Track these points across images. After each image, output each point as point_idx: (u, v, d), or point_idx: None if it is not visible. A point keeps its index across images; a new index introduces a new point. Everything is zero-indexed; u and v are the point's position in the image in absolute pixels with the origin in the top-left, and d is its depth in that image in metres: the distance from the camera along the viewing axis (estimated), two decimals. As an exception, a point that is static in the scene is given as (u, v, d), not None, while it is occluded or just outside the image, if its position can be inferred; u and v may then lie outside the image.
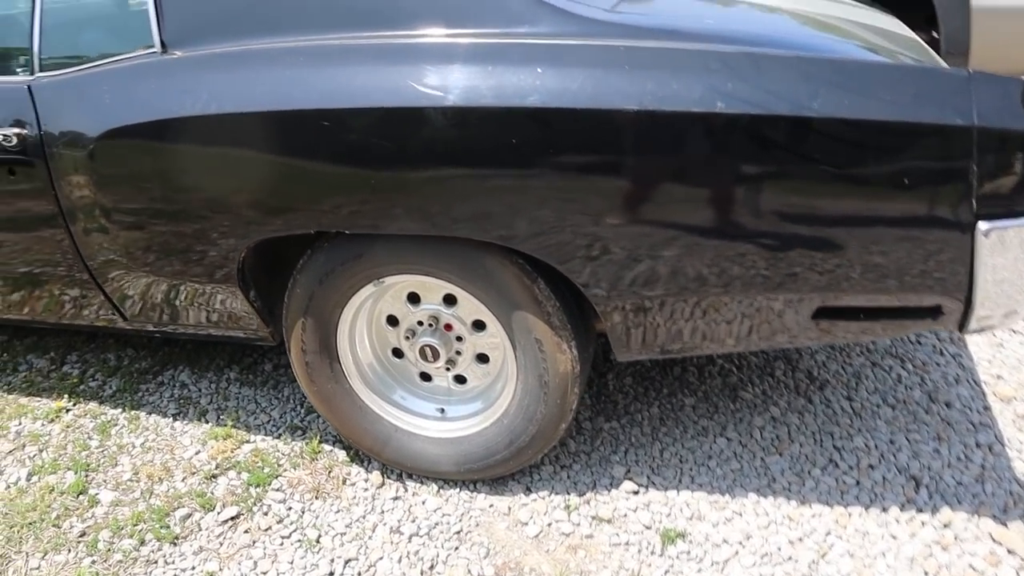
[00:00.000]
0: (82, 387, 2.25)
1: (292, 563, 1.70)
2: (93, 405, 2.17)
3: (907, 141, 1.34)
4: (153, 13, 1.64)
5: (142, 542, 1.76)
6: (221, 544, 1.75)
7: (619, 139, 1.39)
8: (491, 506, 1.82)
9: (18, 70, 1.78)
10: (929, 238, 1.40)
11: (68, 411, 2.15)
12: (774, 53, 1.38)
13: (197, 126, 1.57)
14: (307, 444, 2.00)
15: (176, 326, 1.92)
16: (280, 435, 2.05)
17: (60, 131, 1.69)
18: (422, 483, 1.88)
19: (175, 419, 2.12)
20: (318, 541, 1.75)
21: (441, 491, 1.86)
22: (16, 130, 1.72)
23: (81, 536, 1.78)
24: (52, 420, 2.12)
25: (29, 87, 1.73)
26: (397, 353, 1.87)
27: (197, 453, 2.00)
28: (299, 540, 1.75)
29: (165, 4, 1.64)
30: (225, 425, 2.08)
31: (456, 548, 1.72)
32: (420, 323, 1.78)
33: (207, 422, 2.10)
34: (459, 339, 1.79)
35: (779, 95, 1.35)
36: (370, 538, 1.75)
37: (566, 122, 1.40)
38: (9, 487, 1.91)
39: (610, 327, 1.60)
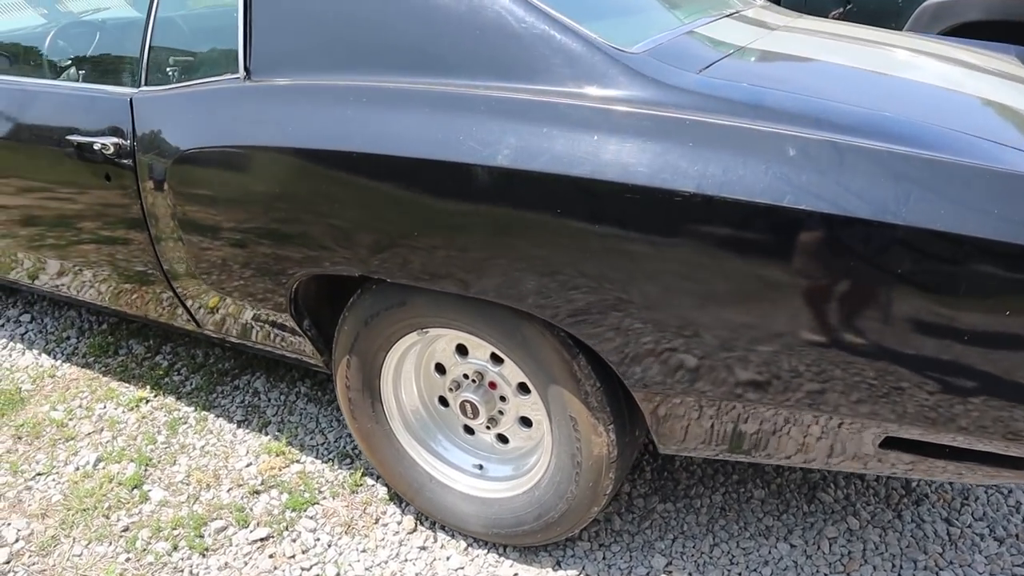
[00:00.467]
0: (166, 380, 2.36)
1: (304, 600, 1.69)
2: (171, 399, 2.27)
3: (1011, 265, 1.12)
4: (241, 39, 1.67)
5: (175, 547, 1.81)
6: (245, 564, 1.77)
7: (670, 221, 1.26)
8: (515, 575, 1.73)
9: (127, 81, 1.88)
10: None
11: (148, 402, 2.26)
12: (866, 145, 1.20)
13: (259, 156, 1.58)
14: (351, 475, 1.99)
15: (244, 341, 1.97)
16: (330, 460, 2.05)
17: (149, 145, 1.76)
18: (452, 537, 1.82)
19: (239, 426, 2.18)
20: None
21: (469, 549, 1.79)
22: (114, 139, 1.81)
23: (124, 531, 1.85)
24: (132, 408, 2.24)
25: (131, 100, 1.81)
26: (443, 402, 1.82)
27: (248, 465, 2.03)
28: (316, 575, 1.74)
29: (255, 31, 1.67)
30: (281, 440, 2.11)
31: (467, 617, 1.65)
32: (466, 376, 1.71)
33: (266, 434, 2.14)
34: (503, 399, 1.71)
35: (860, 194, 1.17)
36: (385, 588, 1.71)
37: (614, 197, 1.28)
38: (78, 469, 2.03)
39: (648, 415, 1.46)
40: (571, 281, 1.36)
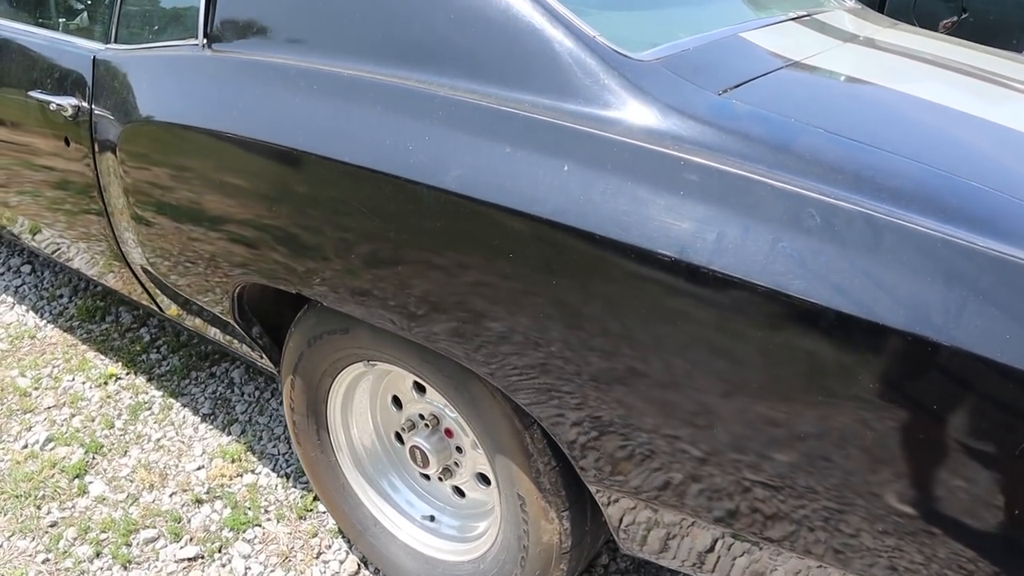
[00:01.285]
0: (143, 357, 2.20)
1: (213, 642, 1.50)
2: (141, 380, 2.12)
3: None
4: (204, 1, 1.44)
5: (98, 554, 1.65)
6: (166, 587, 1.60)
7: (640, 289, 0.97)
8: (453, 652, 1.50)
9: (99, 35, 1.68)
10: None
11: (117, 379, 2.12)
12: (915, 224, 0.87)
13: (201, 138, 1.35)
14: (303, 497, 1.79)
15: (202, 334, 1.78)
16: (286, 475, 1.85)
17: (104, 110, 1.57)
18: (395, 590, 1.60)
19: (203, 420, 2.00)
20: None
21: (409, 609, 1.57)
22: (73, 100, 1.63)
23: (51, 526, 1.71)
24: (99, 385, 2.09)
25: (94, 58, 1.62)
26: (400, 439, 1.58)
27: (199, 468, 1.86)
28: (236, 614, 1.55)
29: (220, -6, 1.43)
30: (241, 443, 1.93)
31: None
32: (421, 416, 1.47)
33: (229, 434, 1.96)
34: (459, 450, 1.46)
35: (893, 293, 0.85)
36: (305, 642, 1.51)
37: (571, 247, 1.00)
38: (26, 447, 1.90)
39: (604, 511, 1.19)
40: (516, 339, 1.09)
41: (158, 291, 1.74)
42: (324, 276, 1.26)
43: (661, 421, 1.02)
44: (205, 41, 1.43)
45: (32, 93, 1.72)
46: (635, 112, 1.04)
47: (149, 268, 1.66)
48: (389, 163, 1.14)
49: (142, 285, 1.77)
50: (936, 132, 1.14)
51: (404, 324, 1.19)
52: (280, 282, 1.34)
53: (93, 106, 1.60)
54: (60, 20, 1.86)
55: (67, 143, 1.68)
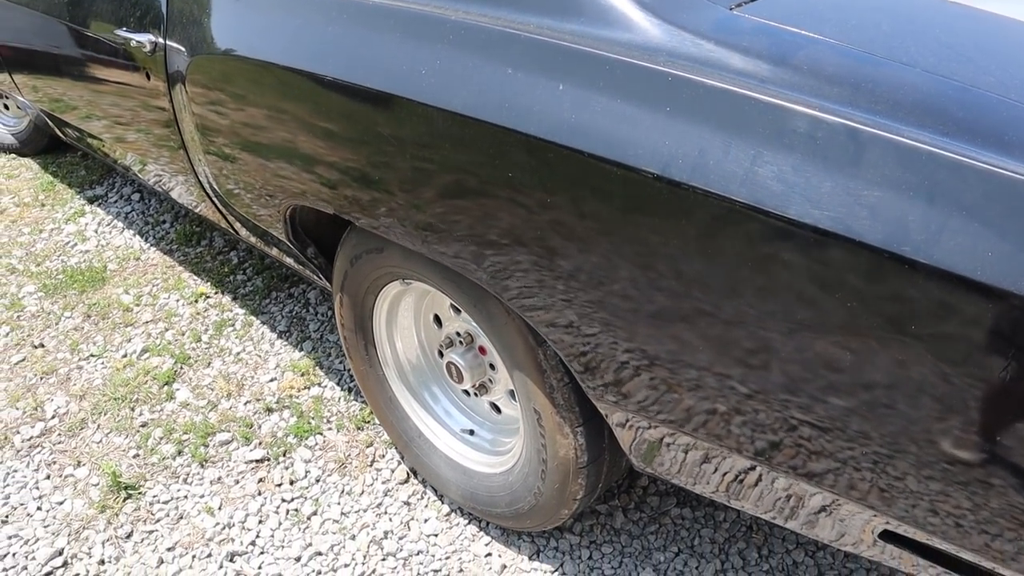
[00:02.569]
0: (230, 278, 2.38)
1: (272, 534, 1.65)
2: (227, 299, 2.29)
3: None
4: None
5: (179, 452, 1.83)
6: (236, 483, 1.76)
7: (627, 204, 0.98)
8: (487, 556, 1.59)
9: (173, -28, 1.79)
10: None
11: (207, 298, 2.30)
12: (902, 137, 0.83)
13: (247, 67, 1.43)
14: (362, 409, 1.91)
15: (271, 256, 1.90)
16: (348, 389, 1.98)
17: (175, 42, 1.68)
18: (440, 499, 1.70)
19: (279, 336, 2.16)
20: (308, 519, 1.67)
21: (451, 516, 1.66)
22: (150, 37, 1.74)
23: (143, 426, 1.91)
24: (191, 303, 2.28)
25: (167, -7, 1.73)
26: (442, 355, 1.66)
27: (271, 380, 2.01)
28: (295, 511, 1.69)
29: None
30: (311, 359, 2.07)
31: (423, 590, 1.54)
32: (458, 334, 1.54)
33: (301, 350, 2.11)
34: (492, 367, 1.52)
35: (874, 211, 0.83)
36: (352, 538, 1.63)
37: (564, 163, 1.01)
38: (125, 356, 2.11)
39: (614, 428, 1.22)
40: (516, 257, 1.12)
41: (230, 215, 1.87)
42: (354, 198, 1.33)
43: (652, 339, 1.04)
44: (254, -27, 1.50)
45: (118, 31, 1.85)
46: (636, 30, 1.02)
47: (220, 193, 1.78)
48: (405, 87, 1.18)
49: (217, 210, 1.91)
50: (973, 41, 1.07)
51: (420, 242, 1.25)
52: (320, 204, 1.42)
53: (167, 41, 1.71)
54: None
55: (148, 78, 1.81)
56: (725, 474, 1.15)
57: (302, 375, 2.02)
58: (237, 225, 1.88)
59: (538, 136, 1.03)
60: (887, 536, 1.00)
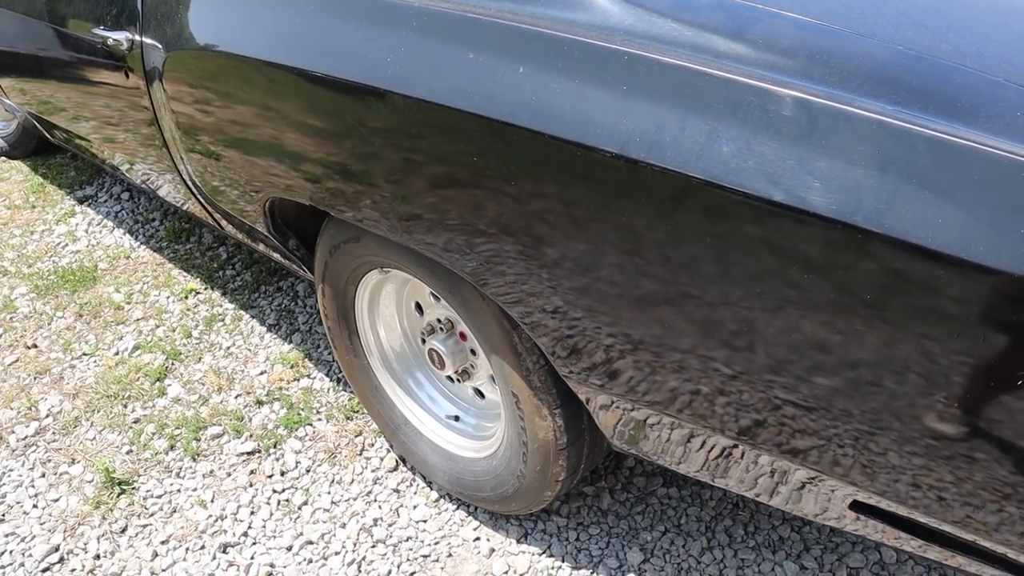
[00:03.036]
0: (220, 273, 2.39)
1: (264, 524, 1.67)
2: (216, 295, 2.31)
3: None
4: (223, -73, 1.51)
5: (172, 447, 1.85)
6: (228, 475, 1.78)
7: (589, 184, 0.98)
8: (476, 540, 1.60)
9: (148, -31, 1.79)
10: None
11: (197, 294, 2.31)
12: (850, 108, 0.83)
13: (219, 60, 1.44)
14: (351, 399, 1.92)
15: (259, 251, 1.91)
16: (337, 379, 1.99)
17: (151, 39, 1.68)
18: (428, 485, 1.71)
19: (269, 330, 2.17)
20: (299, 509, 1.69)
21: (440, 502, 1.68)
22: (127, 35, 1.75)
23: (135, 423, 1.92)
24: (181, 299, 2.30)
25: (141, -9, 1.73)
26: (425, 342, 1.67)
27: (261, 373, 2.03)
28: (285, 501, 1.71)
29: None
30: (300, 351, 2.08)
31: (412, 574, 1.55)
32: (439, 321, 1.54)
33: (290, 343, 2.12)
34: (473, 352, 1.53)
35: (826, 182, 0.83)
36: (342, 526, 1.64)
37: (525, 147, 1.02)
38: (117, 354, 2.13)
39: (587, 406, 1.23)
40: (483, 237, 1.12)
41: (214, 211, 1.87)
42: (327, 188, 1.33)
43: (606, 313, 1.05)
44: (228, -32, 1.51)
45: (96, 30, 1.86)
46: (595, 11, 1.02)
47: (203, 189, 1.79)
48: (371, 76, 1.18)
49: (202, 207, 1.92)
50: (931, 10, 1.07)
51: (392, 230, 1.26)
52: (296, 195, 1.43)
53: (143, 38, 1.72)
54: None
55: (127, 76, 1.82)
56: (709, 453, 1.16)
57: (291, 367, 2.03)
58: (223, 221, 1.89)
59: (500, 119, 1.03)
60: (864, 509, 1.01)
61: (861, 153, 0.82)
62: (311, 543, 1.62)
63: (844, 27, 0.96)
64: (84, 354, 2.14)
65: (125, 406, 1.97)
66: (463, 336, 1.52)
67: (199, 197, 1.86)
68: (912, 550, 1.06)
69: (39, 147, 3.03)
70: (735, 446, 1.10)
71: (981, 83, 0.88)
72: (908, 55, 0.91)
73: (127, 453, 1.85)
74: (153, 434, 1.89)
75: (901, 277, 0.81)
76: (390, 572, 1.55)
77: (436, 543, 1.60)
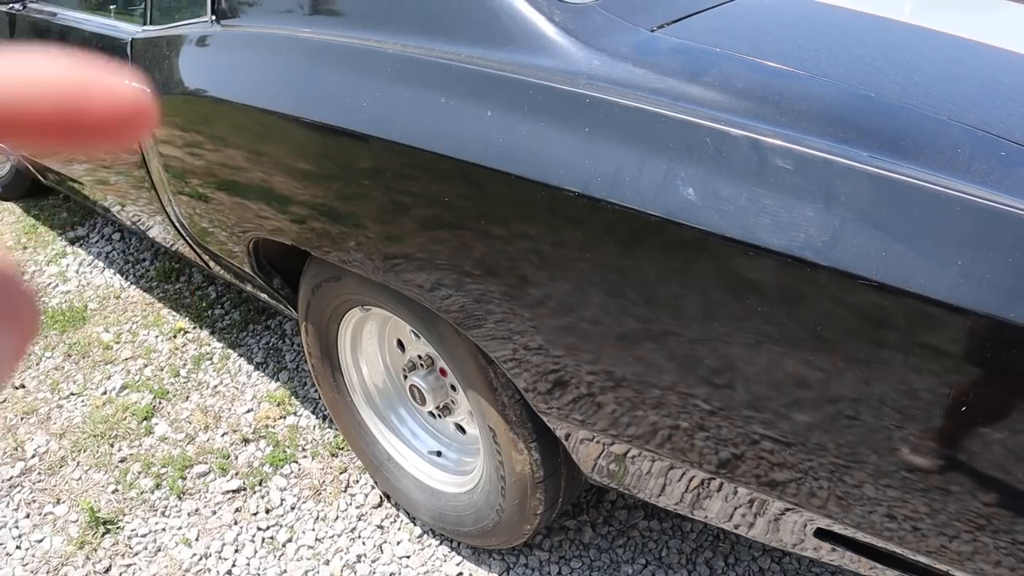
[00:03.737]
0: (208, 312, 2.42)
1: (248, 562, 1.67)
2: (205, 333, 2.33)
3: (980, 345, 0.78)
4: (209, -21, 1.56)
5: (158, 486, 1.86)
6: (213, 513, 1.79)
7: (555, 225, 1.01)
8: (458, 575, 1.60)
9: (138, 18, 1.85)
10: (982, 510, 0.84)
11: (185, 333, 2.34)
12: (798, 146, 0.87)
13: (205, 106, 1.49)
14: (336, 436, 1.94)
15: (247, 291, 1.94)
16: (323, 416, 2.01)
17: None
18: (412, 521, 1.72)
19: (256, 368, 2.19)
20: (284, 547, 1.70)
21: (423, 537, 1.68)
22: (115, 79, 1.80)
23: (121, 462, 1.93)
24: (170, 338, 2.32)
25: (131, 40, 1.78)
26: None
27: (248, 411, 2.04)
28: (270, 539, 1.72)
29: (223, -30, 1.55)
30: (287, 389, 2.10)
31: (395, 611, 1.56)
32: (420, 357, 1.57)
33: (277, 380, 2.14)
34: (454, 388, 1.55)
35: (777, 218, 0.86)
36: (326, 563, 1.65)
37: (494, 188, 1.05)
38: (104, 393, 2.14)
39: (563, 441, 1.25)
40: (455, 277, 1.16)
41: (203, 252, 1.91)
42: (308, 228, 1.37)
43: (578, 351, 1.07)
44: (213, 17, 1.56)
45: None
46: (560, 55, 1.07)
47: (190, 230, 1.83)
48: (349, 120, 1.22)
49: (191, 247, 1.95)
50: (882, 51, 1.12)
51: (370, 269, 1.29)
52: (278, 235, 1.46)
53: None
54: (111, 6, 2.04)
55: (114, 119, 1.87)
56: (687, 486, 1.18)
57: (278, 405, 2.05)
58: (211, 262, 1.93)
59: (469, 161, 1.07)
60: (840, 540, 1.03)
61: (808, 190, 0.86)
62: (294, 581, 1.63)
63: (797, 69, 1.00)
64: (72, 394, 2.15)
65: (112, 445, 1.98)
66: (443, 372, 1.54)
67: (187, 238, 1.90)
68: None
69: (32, 189, 3.07)
70: (713, 479, 1.12)
71: (925, 121, 0.92)
72: (856, 95, 0.96)
73: (112, 492, 1.86)
74: (139, 473, 1.90)
75: (849, 309, 0.84)
76: (372, 609, 1.56)
77: (419, 579, 1.61)
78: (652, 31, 1.10)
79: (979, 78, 1.07)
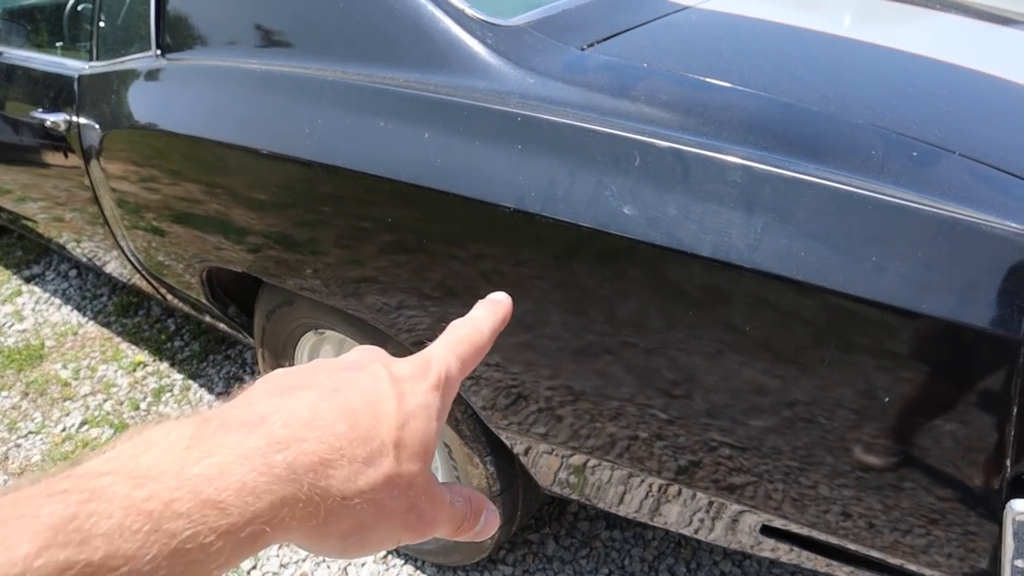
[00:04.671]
0: (168, 344, 2.41)
1: (211, 592, 1.66)
2: (165, 366, 2.32)
3: (895, 337, 0.82)
4: (154, 14, 1.58)
5: (119, 522, 1.84)
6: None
7: (493, 241, 1.04)
8: (424, 595, 1.61)
9: (84, 55, 1.85)
10: (918, 501, 0.88)
11: (145, 366, 2.32)
12: (719, 155, 0.91)
13: (150, 137, 1.50)
14: (299, 462, 1.94)
15: (206, 322, 1.94)
16: (287, 443, 2.00)
17: (87, 120, 1.74)
18: (377, 542, 1.72)
19: (218, 398, 2.18)
20: (248, 574, 1.69)
21: (387, 559, 1.68)
22: (64, 116, 1.80)
23: (81, 499, 1.91)
24: (129, 372, 2.30)
25: (78, 77, 1.79)
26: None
27: (210, 441, 2.03)
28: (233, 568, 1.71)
29: (167, 5, 1.56)
30: (250, 417, 2.09)
31: (361, 634, 1.55)
32: (377, 378, 1.58)
33: (239, 409, 2.13)
34: (411, 407, 1.56)
35: (701, 224, 0.90)
36: (291, 590, 1.65)
37: (434, 207, 1.08)
38: (64, 430, 2.12)
39: (527, 457, 1.27)
40: (403, 298, 1.18)
41: (159, 286, 1.91)
42: (258, 255, 1.38)
43: (520, 361, 1.10)
44: (159, 52, 1.58)
45: (35, 113, 1.91)
46: (494, 76, 1.10)
47: (144, 263, 1.82)
48: (292, 147, 1.24)
49: (145, 279, 1.95)
50: (803, 61, 1.16)
51: (318, 292, 1.30)
52: (228, 263, 1.47)
53: (80, 119, 1.77)
54: (58, 44, 2.04)
55: (66, 155, 1.87)
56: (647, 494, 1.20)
57: (240, 434, 2.04)
58: (168, 295, 1.92)
59: (408, 182, 1.10)
60: (794, 539, 1.05)
61: (730, 195, 0.89)
62: (259, 609, 1.62)
63: (721, 81, 1.04)
64: (30, 432, 2.13)
65: (71, 483, 1.95)
66: (400, 391, 1.55)
67: (141, 271, 1.89)
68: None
69: (-14, 229, 3.04)
70: (671, 485, 1.14)
71: (842, 126, 0.96)
72: (777, 104, 1.00)
73: (73, 530, 1.83)
74: (100, 509, 1.87)
75: (775, 309, 0.87)
76: (338, 633, 1.56)
77: (384, 600, 1.61)
78: (582, 49, 1.14)
79: (894, 83, 1.12)
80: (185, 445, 0.29)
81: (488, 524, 0.38)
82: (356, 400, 0.33)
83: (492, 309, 0.41)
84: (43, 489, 0.26)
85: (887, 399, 0.85)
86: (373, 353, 0.38)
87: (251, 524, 0.28)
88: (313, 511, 0.30)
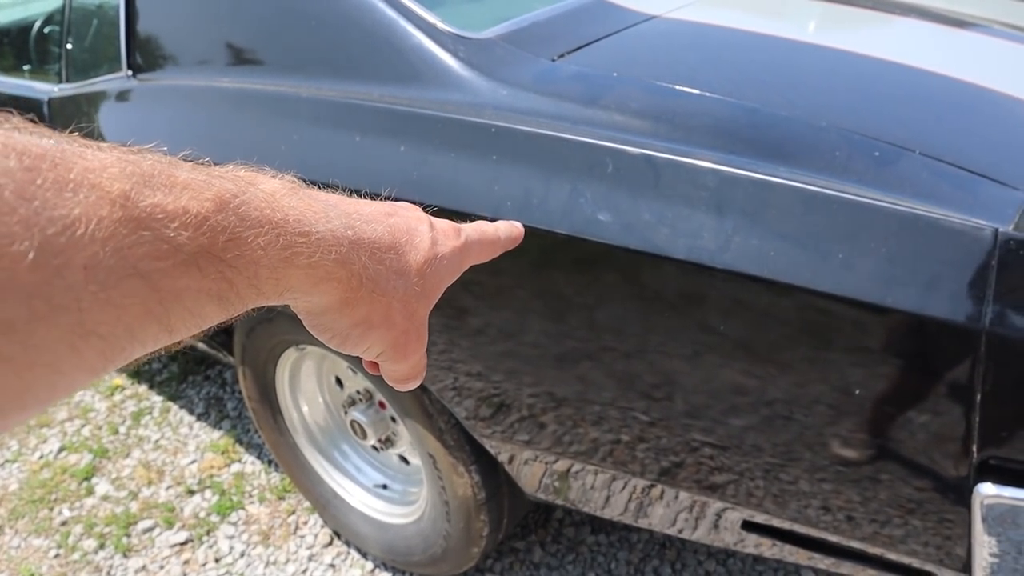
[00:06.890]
0: (146, 366, 2.39)
1: (198, 614, 1.65)
2: (143, 388, 2.30)
3: (863, 331, 0.85)
4: (124, 35, 1.58)
5: (101, 546, 1.82)
6: (161, 568, 1.76)
7: (472, 252, 1.05)
8: (413, 607, 1.61)
9: (54, 78, 1.85)
10: (892, 489, 0.90)
11: (123, 390, 2.30)
12: (690, 160, 0.93)
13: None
14: (282, 480, 1.93)
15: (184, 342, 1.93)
16: (269, 461, 2.00)
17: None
18: (364, 556, 1.72)
19: (198, 419, 2.17)
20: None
21: (374, 572, 1.68)
22: (34, 139, 1.79)
23: (63, 525, 1.89)
24: (107, 396, 2.28)
25: (48, 100, 1.78)
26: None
27: (192, 463, 2.02)
28: (220, 589, 1.70)
29: (137, 26, 1.57)
30: (230, 437, 2.08)
31: (351, 649, 1.55)
32: (358, 392, 1.59)
33: (220, 429, 2.12)
34: (394, 420, 1.57)
35: (673, 227, 0.92)
36: (279, 608, 1.64)
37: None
38: (41, 457, 2.10)
39: (511, 465, 1.28)
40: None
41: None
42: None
43: (501, 369, 1.11)
44: (130, 72, 1.58)
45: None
46: (467, 89, 1.12)
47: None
48: (267, 163, 1.25)
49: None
50: (769, 67, 1.19)
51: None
52: (206, 281, 1.47)
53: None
54: (25, 67, 2.04)
55: (36, 179, 1.86)
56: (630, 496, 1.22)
57: (222, 453, 2.03)
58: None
59: (385, 196, 1.11)
60: (775, 534, 1.07)
61: (702, 199, 0.91)
62: (247, 628, 1.61)
63: (690, 88, 1.06)
64: (7, 461, 2.10)
65: (51, 509, 1.93)
66: (382, 405, 1.56)
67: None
68: (827, 567, 1.12)
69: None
70: (654, 487, 1.16)
71: (806, 129, 0.99)
72: (743, 108, 1.02)
73: (55, 557, 1.81)
74: (81, 534, 1.86)
75: (749, 308, 0.89)
76: (328, 649, 1.55)
77: (373, 614, 1.61)
78: (553, 60, 1.16)
79: (857, 87, 1.15)
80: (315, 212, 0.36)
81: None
82: (402, 227, 0.40)
83: (509, 227, 0.53)
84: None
85: (859, 392, 0.88)
86: (414, 207, 0.45)
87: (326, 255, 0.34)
88: (356, 285, 0.35)
